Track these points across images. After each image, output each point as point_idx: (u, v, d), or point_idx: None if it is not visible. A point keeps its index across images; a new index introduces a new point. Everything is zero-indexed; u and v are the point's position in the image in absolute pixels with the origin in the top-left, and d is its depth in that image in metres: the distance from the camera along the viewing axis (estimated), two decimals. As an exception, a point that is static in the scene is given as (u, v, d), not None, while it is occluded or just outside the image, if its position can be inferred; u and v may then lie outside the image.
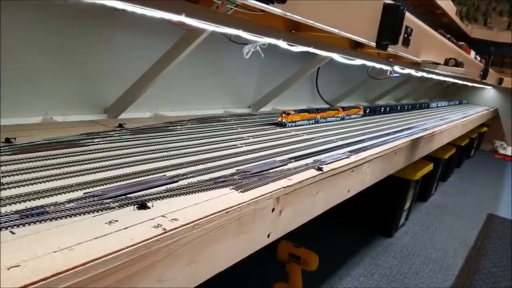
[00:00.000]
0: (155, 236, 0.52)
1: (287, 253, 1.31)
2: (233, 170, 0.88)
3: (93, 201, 0.59)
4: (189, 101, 1.66)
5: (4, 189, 0.59)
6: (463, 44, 2.95)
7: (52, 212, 0.53)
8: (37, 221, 0.50)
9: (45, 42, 1.09)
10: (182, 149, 1.00)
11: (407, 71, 2.27)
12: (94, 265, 0.43)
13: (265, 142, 1.22)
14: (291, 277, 1.34)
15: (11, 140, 0.85)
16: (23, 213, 0.51)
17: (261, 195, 0.76)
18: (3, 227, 0.47)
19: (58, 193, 0.60)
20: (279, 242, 1.32)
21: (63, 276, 0.40)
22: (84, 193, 0.62)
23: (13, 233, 0.47)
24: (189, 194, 0.70)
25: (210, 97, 1.79)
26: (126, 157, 0.85)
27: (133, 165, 0.80)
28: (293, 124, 1.57)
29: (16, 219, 0.49)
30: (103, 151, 0.87)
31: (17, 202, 0.55)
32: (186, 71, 1.53)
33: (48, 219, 0.51)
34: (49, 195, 0.59)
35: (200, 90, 1.71)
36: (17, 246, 0.44)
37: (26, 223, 0.49)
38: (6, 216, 0.50)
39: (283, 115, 1.54)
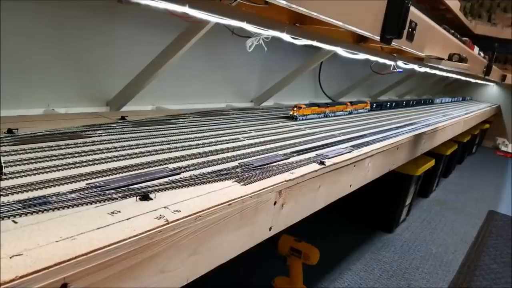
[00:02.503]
0: (158, 227, 0.52)
1: (288, 247, 1.31)
2: (235, 163, 0.87)
3: (95, 191, 0.59)
4: (191, 94, 1.65)
5: (6, 179, 0.59)
6: (467, 40, 2.93)
7: (55, 202, 0.53)
8: (40, 210, 0.50)
9: (48, 35, 1.08)
10: (184, 142, 0.99)
11: (410, 66, 2.26)
12: (97, 255, 0.43)
13: (267, 136, 1.21)
14: (291, 271, 1.35)
15: (13, 130, 0.84)
16: (25, 203, 0.51)
17: (263, 188, 0.76)
18: (6, 216, 0.47)
19: (60, 184, 0.60)
20: (280, 236, 1.32)
21: (65, 266, 0.40)
22: (86, 184, 0.62)
23: (15, 222, 0.47)
24: (191, 186, 0.69)
25: (212, 91, 1.78)
26: (128, 149, 0.85)
27: (135, 157, 0.80)
28: (303, 117, 1.59)
29: (19, 209, 0.49)
30: (106, 143, 0.87)
31: (19, 192, 0.55)
32: (188, 64, 1.53)
33: (50, 209, 0.51)
34: (52, 185, 0.59)
35: (202, 83, 1.70)
36: (20, 235, 0.44)
37: (28, 212, 0.49)
38: (9, 206, 0.50)
39: (295, 108, 1.57)
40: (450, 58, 2.30)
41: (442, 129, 2.31)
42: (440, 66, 2.20)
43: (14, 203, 0.51)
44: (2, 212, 0.48)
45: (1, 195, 0.53)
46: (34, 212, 0.49)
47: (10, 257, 0.39)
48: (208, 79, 1.72)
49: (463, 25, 4.50)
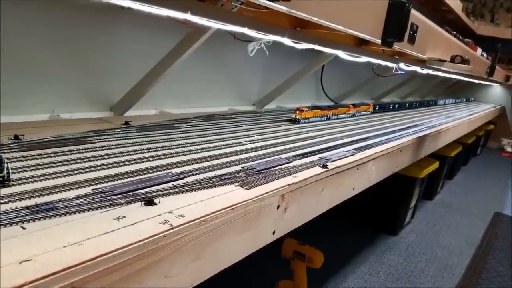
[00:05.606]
0: (162, 232, 0.53)
1: (291, 251, 1.31)
2: (238, 167, 0.88)
3: (101, 197, 0.60)
4: (193, 98, 1.67)
5: (14, 185, 0.60)
6: (469, 41, 2.93)
7: (61, 208, 0.54)
8: (47, 216, 0.51)
9: (52, 40, 1.10)
10: (187, 146, 1.00)
11: (412, 68, 2.26)
12: (103, 260, 0.44)
13: (270, 140, 1.22)
14: (295, 274, 1.35)
15: (19, 137, 0.86)
16: (33, 209, 0.52)
17: (266, 192, 0.76)
18: (14, 222, 0.48)
19: (66, 189, 0.61)
20: (284, 240, 1.32)
21: (73, 271, 0.41)
22: (92, 190, 0.63)
23: (23, 228, 0.48)
24: (195, 190, 0.70)
25: (215, 95, 1.79)
26: (132, 154, 0.86)
27: (139, 162, 0.81)
28: (306, 120, 1.59)
29: (27, 215, 0.50)
30: (110, 148, 0.88)
31: (26, 198, 0.56)
32: (191, 68, 1.54)
33: (57, 214, 0.52)
34: (58, 191, 0.60)
35: (204, 87, 1.71)
36: (28, 240, 0.45)
37: (36, 218, 0.50)
38: (17, 212, 0.51)
39: (297, 111, 1.58)
40: (452, 60, 2.30)
41: (446, 131, 2.30)
42: (442, 68, 2.20)
43: (22, 209, 0.52)
44: (11, 218, 0.49)
45: (9, 201, 0.54)
46: (42, 218, 0.50)
47: (20, 263, 0.40)
48: (210, 83, 1.73)
49: (466, 26, 4.49)
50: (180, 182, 0.73)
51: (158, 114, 1.47)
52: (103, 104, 1.31)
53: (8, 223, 0.48)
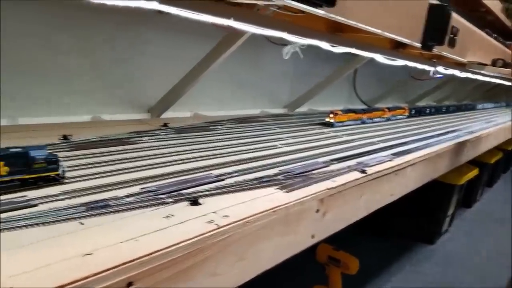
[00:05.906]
0: (209, 231, 0.54)
1: (326, 256, 1.29)
2: (276, 170, 0.88)
3: (149, 196, 0.62)
4: (226, 101, 1.68)
5: (68, 182, 0.63)
6: (510, 44, 2.78)
7: (114, 205, 0.56)
8: (102, 213, 0.53)
9: (93, 46, 1.14)
10: (224, 148, 1.01)
11: (451, 71, 2.17)
12: (156, 256, 0.45)
13: (305, 143, 1.21)
14: (330, 280, 1.32)
15: (68, 137, 0.90)
16: (88, 206, 0.55)
17: (306, 196, 0.75)
18: (73, 218, 0.51)
19: (116, 188, 0.64)
20: (318, 244, 1.30)
21: (130, 266, 0.42)
22: (140, 189, 0.65)
23: (82, 223, 0.50)
24: (236, 192, 0.71)
25: (247, 97, 1.80)
26: (173, 155, 0.88)
27: (181, 163, 0.83)
28: (340, 124, 1.56)
29: (83, 211, 0.53)
30: (152, 149, 0.91)
31: (81, 195, 0.59)
32: (225, 71, 1.55)
33: (111, 211, 0.54)
34: (109, 189, 0.63)
35: (237, 90, 1.73)
36: (87, 236, 0.47)
37: (92, 215, 0.52)
38: (74, 208, 0.53)
39: (331, 115, 1.54)
40: (493, 63, 2.19)
41: (486, 137, 2.19)
42: (483, 72, 2.10)
43: (78, 206, 0.54)
44: (70, 214, 0.51)
45: (66, 198, 0.57)
46: (98, 214, 0.53)
47: (83, 256, 0.41)
48: (243, 85, 1.75)
49: (505, 27, 4.26)
50: (221, 183, 0.74)
51: (193, 116, 1.50)
52: (141, 107, 1.36)
53: (67, 219, 0.50)
